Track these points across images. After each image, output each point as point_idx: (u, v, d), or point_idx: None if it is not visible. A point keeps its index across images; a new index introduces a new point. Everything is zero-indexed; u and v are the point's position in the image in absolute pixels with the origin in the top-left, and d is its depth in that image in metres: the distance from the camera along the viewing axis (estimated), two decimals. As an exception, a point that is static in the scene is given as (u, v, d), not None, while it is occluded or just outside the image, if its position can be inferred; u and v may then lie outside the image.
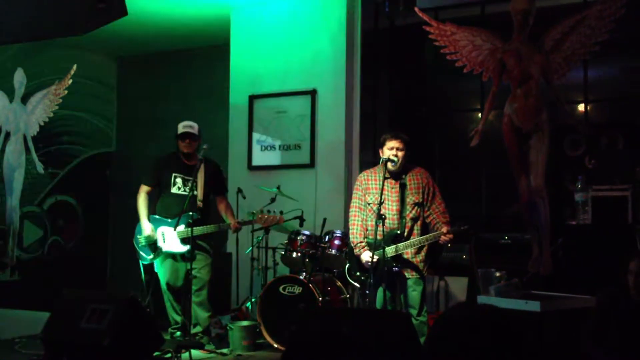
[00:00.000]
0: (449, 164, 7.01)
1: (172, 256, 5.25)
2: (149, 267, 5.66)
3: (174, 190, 5.24)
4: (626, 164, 5.65)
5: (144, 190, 5.34)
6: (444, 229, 4.44)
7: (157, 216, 5.28)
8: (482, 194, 6.64)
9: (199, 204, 5.15)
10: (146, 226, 5.23)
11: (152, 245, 5.23)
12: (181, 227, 5.03)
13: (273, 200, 5.72)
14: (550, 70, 5.12)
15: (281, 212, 5.26)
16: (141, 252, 5.30)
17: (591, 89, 6.16)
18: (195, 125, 5.29)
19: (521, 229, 5.60)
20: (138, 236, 5.29)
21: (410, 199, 4.60)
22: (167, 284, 5.28)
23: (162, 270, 5.29)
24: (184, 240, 5.10)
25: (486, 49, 5.26)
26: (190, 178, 5.13)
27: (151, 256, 5.25)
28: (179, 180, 5.24)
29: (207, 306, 5.27)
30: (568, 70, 5.14)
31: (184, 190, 5.20)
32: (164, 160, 5.38)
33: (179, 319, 5.32)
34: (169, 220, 5.17)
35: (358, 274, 4.67)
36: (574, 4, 5.79)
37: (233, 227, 5.19)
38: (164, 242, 5.19)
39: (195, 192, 5.11)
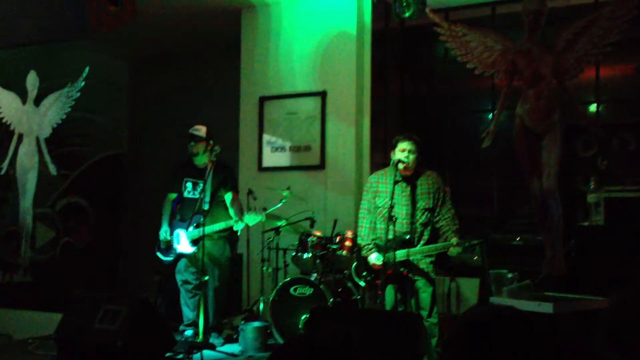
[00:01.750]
0: (460, 165, 6.99)
1: (186, 256, 5.39)
2: (161, 269, 5.73)
3: (185, 194, 5.43)
4: (638, 165, 5.62)
5: (168, 198, 5.56)
6: (454, 241, 4.43)
7: (176, 220, 5.49)
8: (493, 195, 6.63)
9: (205, 206, 5.22)
10: (162, 230, 5.45)
11: (169, 248, 5.43)
12: (190, 229, 5.25)
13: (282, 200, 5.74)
14: (562, 71, 5.09)
15: (264, 209, 5.25)
16: (159, 254, 5.50)
17: (603, 89, 6.14)
18: (203, 128, 5.41)
19: (533, 230, 5.58)
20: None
21: (420, 204, 4.58)
22: (182, 281, 5.43)
23: (179, 269, 5.46)
24: (193, 242, 5.23)
25: (497, 50, 5.25)
26: (199, 181, 5.31)
27: (169, 258, 5.44)
28: (189, 184, 5.40)
29: (213, 305, 5.35)
30: (580, 70, 5.12)
31: (194, 194, 5.35)
32: (179, 166, 5.56)
33: (191, 316, 5.39)
34: (182, 223, 5.39)
35: (365, 273, 4.68)
36: (586, 4, 5.76)
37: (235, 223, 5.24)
38: (178, 243, 5.36)
39: (202, 195, 5.23)
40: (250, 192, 6.00)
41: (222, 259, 5.40)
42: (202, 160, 5.38)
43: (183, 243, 5.31)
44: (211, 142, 5.38)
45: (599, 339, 4.01)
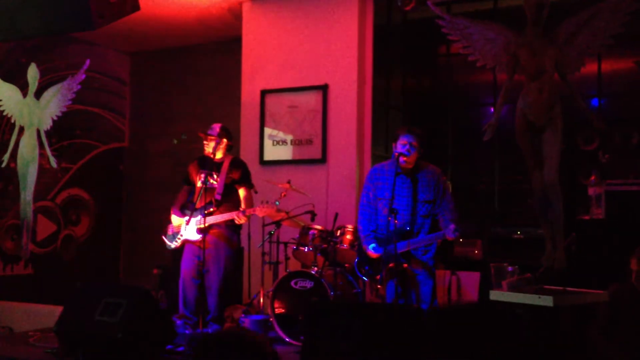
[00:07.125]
0: (461, 158, 6.99)
1: (193, 244, 5.37)
2: (162, 262, 5.73)
3: (199, 184, 5.49)
4: (640, 159, 5.61)
5: (183, 188, 5.66)
6: (451, 227, 4.44)
7: (188, 208, 5.51)
8: (494, 188, 6.62)
9: (217, 196, 5.34)
10: (172, 217, 5.53)
11: (176, 234, 5.49)
12: (197, 218, 5.28)
13: (284, 195, 5.73)
14: (564, 64, 5.06)
15: (276, 204, 5.27)
16: (165, 239, 5.54)
17: (605, 83, 6.12)
18: (216, 126, 5.51)
19: (534, 223, 5.57)
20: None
21: (421, 196, 4.60)
22: (185, 271, 5.41)
23: (184, 259, 5.45)
24: (199, 230, 5.27)
25: (499, 43, 5.21)
26: (213, 173, 5.41)
27: (174, 244, 5.46)
28: (203, 175, 5.44)
29: (216, 296, 5.36)
30: (582, 64, 5.08)
31: (208, 184, 5.43)
32: (197, 159, 5.64)
33: (181, 309, 5.41)
34: (192, 210, 5.40)
35: (367, 267, 4.69)
36: (588, -3, 5.73)
37: (236, 214, 5.25)
38: (185, 230, 5.39)
39: (215, 186, 5.37)
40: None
41: (227, 251, 5.40)
42: (218, 155, 5.47)
43: (189, 229, 5.35)
44: (224, 140, 5.47)
45: (596, 331, 4.01)
